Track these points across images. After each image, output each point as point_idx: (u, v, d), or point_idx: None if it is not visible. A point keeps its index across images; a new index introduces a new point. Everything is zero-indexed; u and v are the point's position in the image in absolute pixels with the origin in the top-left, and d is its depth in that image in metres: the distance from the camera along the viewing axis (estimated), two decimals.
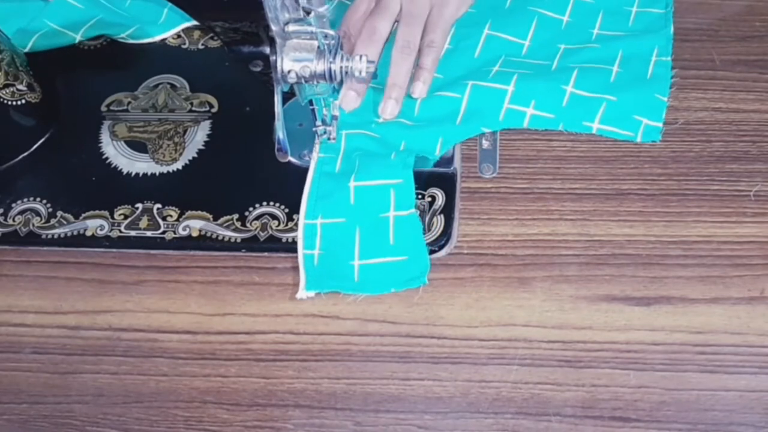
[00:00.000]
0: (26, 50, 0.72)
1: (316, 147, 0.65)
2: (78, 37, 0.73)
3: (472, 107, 0.65)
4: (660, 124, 0.64)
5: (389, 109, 0.65)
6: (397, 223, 0.60)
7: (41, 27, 0.73)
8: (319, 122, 0.62)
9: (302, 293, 0.59)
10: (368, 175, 0.62)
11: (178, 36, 0.73)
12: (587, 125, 0.64)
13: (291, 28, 0.52)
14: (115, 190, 0.65)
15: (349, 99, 0.66)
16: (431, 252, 0.60)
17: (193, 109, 0.69)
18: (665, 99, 0.65)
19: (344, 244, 0.60)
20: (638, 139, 0.64)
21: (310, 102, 0.60)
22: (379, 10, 0.67)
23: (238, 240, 0.62)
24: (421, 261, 0.59)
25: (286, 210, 0.62)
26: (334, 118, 0.62)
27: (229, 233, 0.62)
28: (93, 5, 0.75)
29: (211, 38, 0.73)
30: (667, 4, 0.71)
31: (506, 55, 0.69)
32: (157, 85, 0.70)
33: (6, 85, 0.65)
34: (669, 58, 0.67)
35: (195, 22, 0.72)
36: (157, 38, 0.73)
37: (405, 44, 0.66)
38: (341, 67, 0.54)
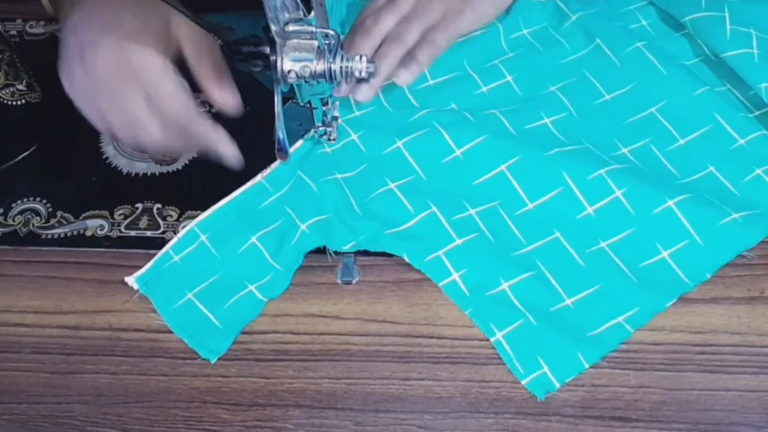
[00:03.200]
0: None
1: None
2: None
3: (414, 232, 0.60)
4: (558, 385, 0.55)
5: (362, 93, 0.63)
6: (246, 298, 0.59)
7: None
8: (318, 123, 0.62)
9: (131, 279, 0.60)
10: (271, 244, 0.60)
11: None
12: (492, 329, 0.56)
13: (291, 28, 0.52)
14: (115, 190, 0.65)
15: (340, 89, 0.62)
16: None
17: None
18: (587, 366, 0.55)
19: (198, 274, 0.60)
20: (523, 382, 0.55)
21: (310, 102, 0.60)
22: (389, 6, 0.65)
23: None
24: (224, 340, 0.57)
25: None
26: (334, 118, 0.62)
27: None
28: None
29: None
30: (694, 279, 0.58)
31: (507, 209, 0.61)
32: None
33: (6, 85, 0.65)
34: (633, 330, 0.56)
35: None
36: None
37: (396, 36, 0.64)
38: (341, 67, 0.54)
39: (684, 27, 0.67)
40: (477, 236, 0.60)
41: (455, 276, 0.59)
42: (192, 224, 0.61)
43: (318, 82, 0.55)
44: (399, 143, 0.63)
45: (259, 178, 0.63)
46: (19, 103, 0.66)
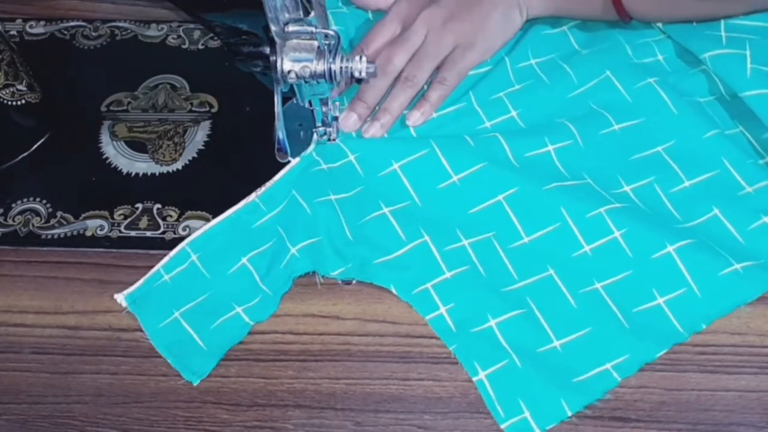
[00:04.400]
0: None
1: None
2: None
3: (403, 261, 0.59)
4: (537, 431, 0.53)
5: (372, 130, 0.64)
6: (232, 320, 0.58)
7: None
8: (318, 123, 0.62)
9: (120, 297, 0.59)
10: (261, 266, 0.60)
11: (178, 36, 0.73)
12: (476, 368, 0.55)
13: (291, 28, 0.52)
14: (115, 190, 0.65)
15: (350, 121, 0.64)
16: None
17: (193, 109, 0.69)
18: (570, 414, 0.53)
19: (187, 294, 0.59)
20: (502, 426, 0.53)
21: (310, 103, 0.60)
22: (400, 41, 0.65)
23: None
24: (207, 361, 0.57)
25: None
26: (334, 118, 0.62)
27: None
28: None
29: (211, 38, 0.72)
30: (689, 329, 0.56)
31: (502, 242, 0.60)
32: (157, 85, 0.70)
33: (6, 85, 0.65)
34: (620, 379, 0.54)
35: None
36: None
37: (408, 77, 0.64)
38: (341, 67, 0.54)
39: (701, 63, 0.64)
40: (468, 269, 0.59)
41: (442, 310, 0.57)
42: (184, 243, 0.60)
43: (318, 82, 0.55)
44: (396, 165, 0.62)
45: (252, 197, 0.62)
46: (19, 103, 0.66)
